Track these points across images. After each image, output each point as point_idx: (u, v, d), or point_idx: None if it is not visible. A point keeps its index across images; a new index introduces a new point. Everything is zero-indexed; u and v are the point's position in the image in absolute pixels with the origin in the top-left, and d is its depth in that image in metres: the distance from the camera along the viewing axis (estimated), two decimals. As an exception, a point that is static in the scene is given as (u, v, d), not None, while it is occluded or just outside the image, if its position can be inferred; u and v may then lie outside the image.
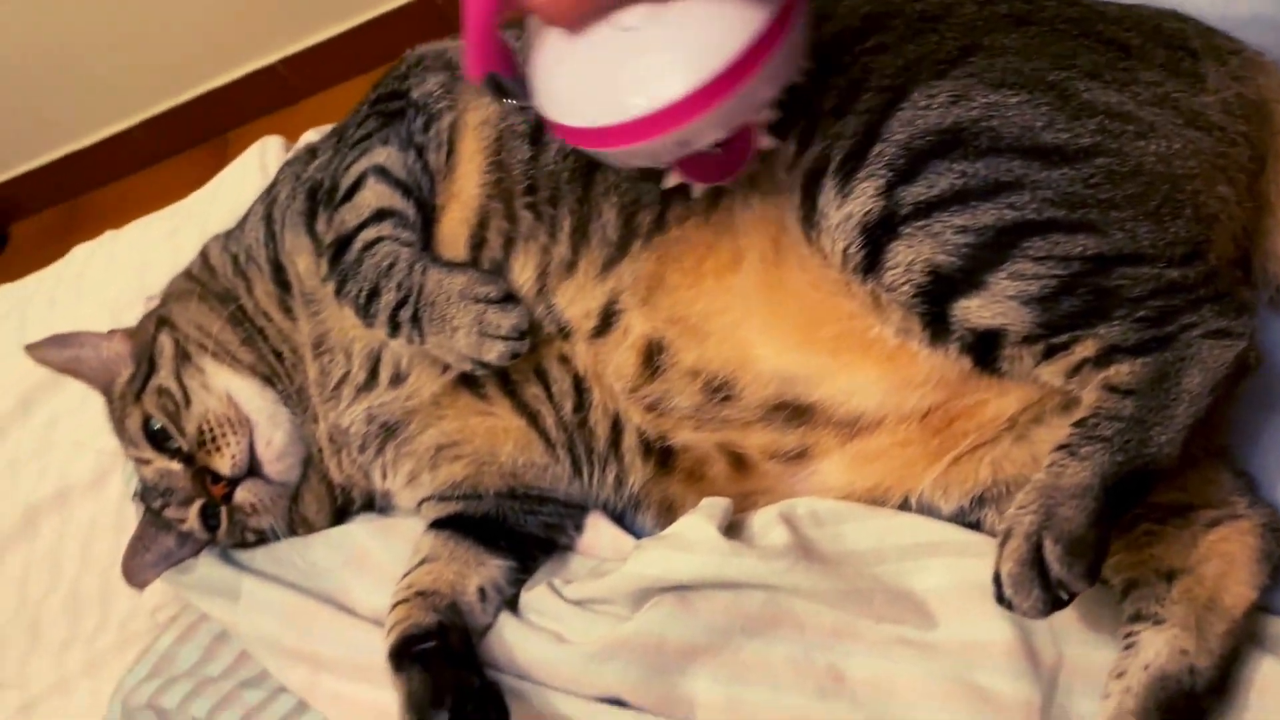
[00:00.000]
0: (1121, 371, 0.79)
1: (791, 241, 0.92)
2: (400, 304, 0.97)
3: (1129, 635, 0.82)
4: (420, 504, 1.10)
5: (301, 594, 1.07)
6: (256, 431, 1.07)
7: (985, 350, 0.84)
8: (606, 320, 0.98)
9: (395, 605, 0.99)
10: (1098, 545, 0.74)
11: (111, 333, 1.16)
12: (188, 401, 1.08)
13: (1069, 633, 0.85)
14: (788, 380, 0.94)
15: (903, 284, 0.84)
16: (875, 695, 0.87)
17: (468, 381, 1.04)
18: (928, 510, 0.95)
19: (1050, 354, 0.82)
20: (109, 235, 1.64)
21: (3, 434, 1.48)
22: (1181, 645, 0.80)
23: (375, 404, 1.07)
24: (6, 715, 1.25)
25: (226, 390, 1.08)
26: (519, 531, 1.05)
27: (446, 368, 1.03)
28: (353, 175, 1.05)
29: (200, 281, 1.17)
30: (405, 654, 0.93)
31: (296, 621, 1.05)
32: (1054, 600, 0.74)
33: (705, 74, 0.71)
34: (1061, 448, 0.79)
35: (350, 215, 1.02)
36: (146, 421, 1.09)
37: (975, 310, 0.82)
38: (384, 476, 1.10)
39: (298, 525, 1.12)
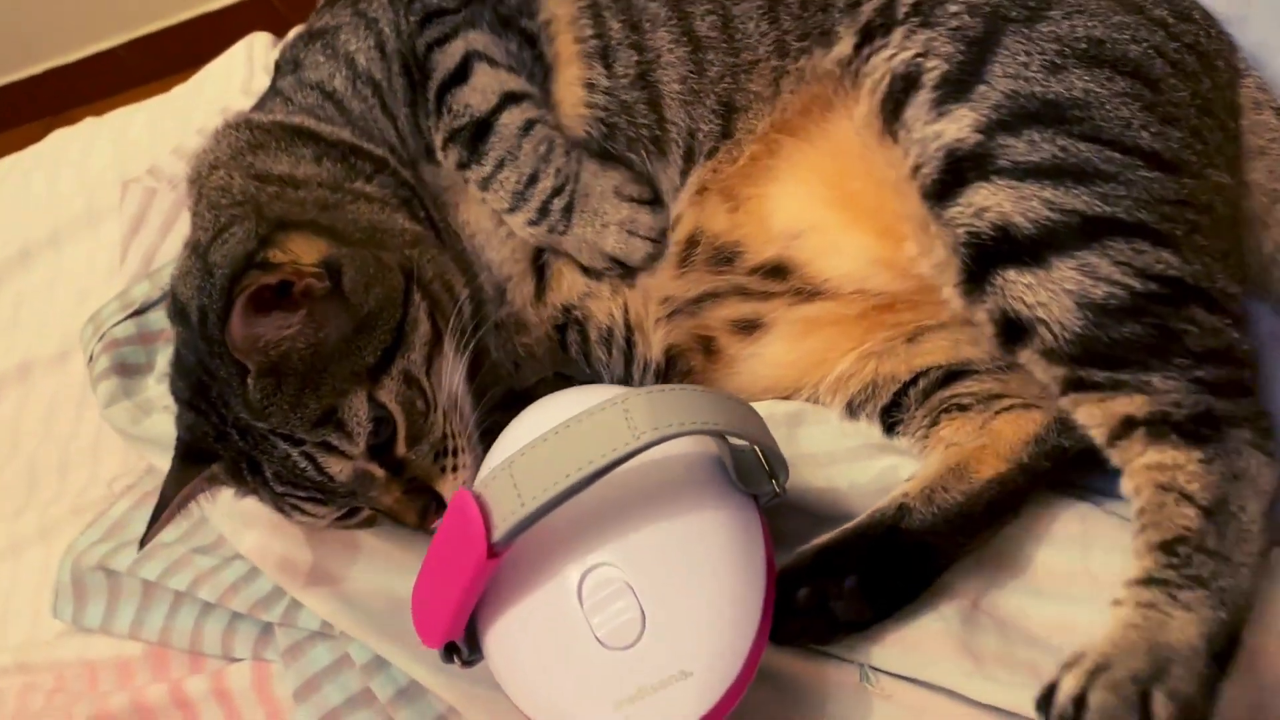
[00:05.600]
0: (1186, 473, 0.77)
1: (847, 100, 0.94)
2: (556, 192, 0.96)
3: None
4: None
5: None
6: None
7: (1010, 337, 0.84)
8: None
9: None
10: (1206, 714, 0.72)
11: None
12: (434, 404, 0.89)
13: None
14: (791, 237, 0.96)
15: (962, 224, 0.84)
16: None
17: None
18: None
19: (1084, 387, 0.81)
20: (89, 121, 1.63)
21: (-30, 310, 1.47)
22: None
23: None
24: (-43, 577, 1.24)
25: (460, 389, 0.91)
26: None
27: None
28: (454, 56, 0.98)
29: (409, 209, 0.98)
30: None
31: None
32: None
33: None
34: (1156, 582, 0.75)
35: (475, 99, 0.97)
36: (378, 414, 0.85)
37: (1023, 288, 0.81)
38: None
39: None
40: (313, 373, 0.84)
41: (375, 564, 0.99)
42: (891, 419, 0.96)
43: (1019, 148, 0.83)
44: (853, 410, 0.99)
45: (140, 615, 1.06)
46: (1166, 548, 0.76)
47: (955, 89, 0.87)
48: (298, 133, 1.00)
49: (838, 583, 0.84)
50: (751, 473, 0.80)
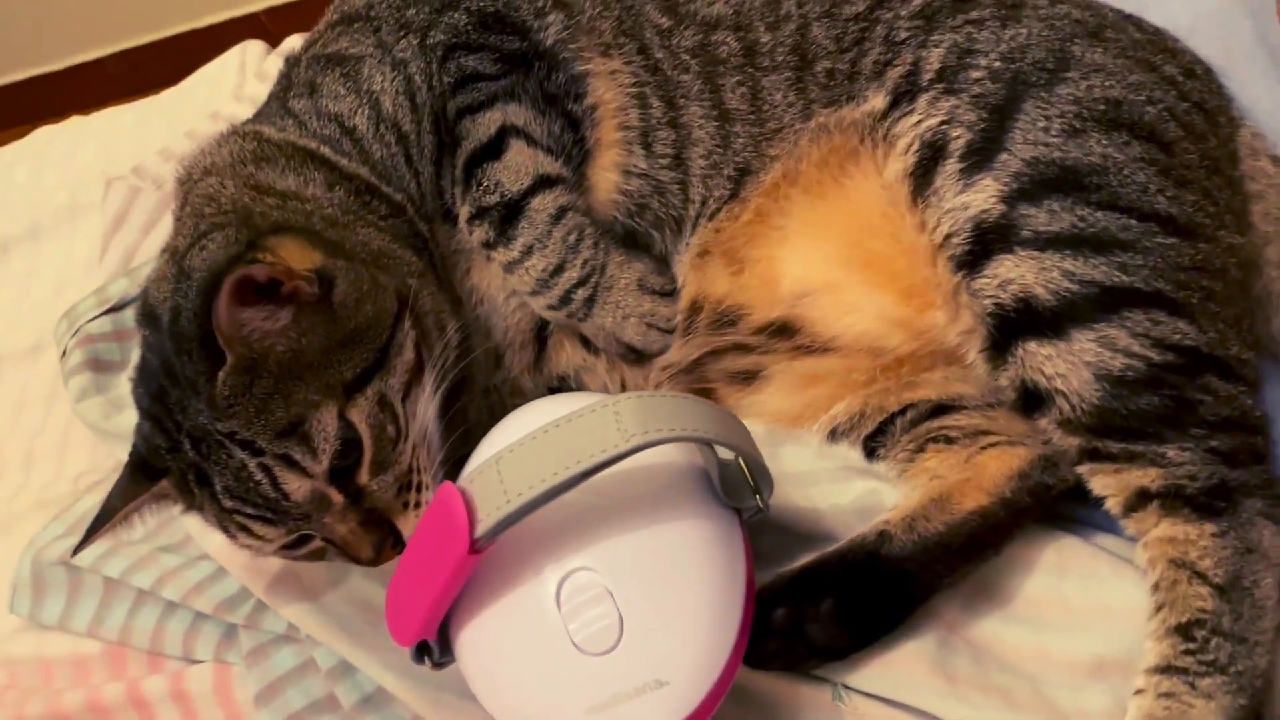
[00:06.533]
0: (1199, 548, 0.78)
1: (874, 155, 0.94)
2: (581, 283, 0.95)
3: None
4: None
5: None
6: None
7: (1030, 407, 0.85)
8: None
9: None
10: None
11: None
12: (406, 434, 0.85)
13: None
14: (799, 297, 0.96)
15: (988, 295, 0.85)
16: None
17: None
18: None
19: (1099, 457, 0.82)
20: (76, 120, 1.63)
21: (-55, 301, 1.45)
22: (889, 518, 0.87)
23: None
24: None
25: (432, 425, 0.88)
26: None
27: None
28: (487, 127, 0.95)
29: (417, 253, 0.94)
30: None
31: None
32: None
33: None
34: (1175, 670, 0.76)
35: (507, 177, 0.94)
36: (347, 435, 0.81)
37: (1043, 359, 0.82)
38: None
39: None
40: (287, 378, 0.80)
41: (346, 567, 0.98)
42: (874, 444, 0.97)
43: (1040, 218, 0.84)
44: (835, 436, 0.99)
45: (100, 613, 1.04)
46: (1183, 631, 0.77)
47: (980, 158, 0.88)
48: (311, 156, 0.96)
49: (815, 605, 0.84)
50: (736, 486, 0.80)
